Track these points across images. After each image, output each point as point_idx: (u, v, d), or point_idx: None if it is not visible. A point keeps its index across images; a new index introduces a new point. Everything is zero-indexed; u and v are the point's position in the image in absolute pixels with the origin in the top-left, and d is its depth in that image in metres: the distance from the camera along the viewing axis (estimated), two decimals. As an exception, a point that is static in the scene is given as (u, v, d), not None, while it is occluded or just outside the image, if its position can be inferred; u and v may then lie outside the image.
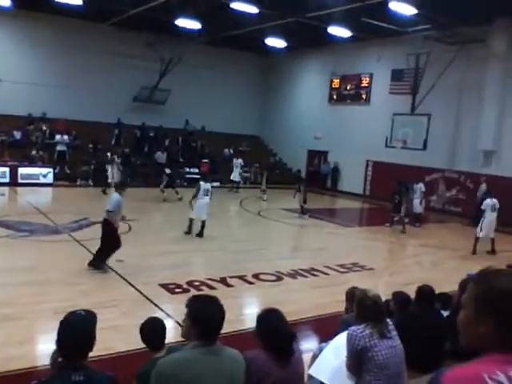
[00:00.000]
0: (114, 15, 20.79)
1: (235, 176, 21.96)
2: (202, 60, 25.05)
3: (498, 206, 12.63)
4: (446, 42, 18.45)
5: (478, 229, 12.52)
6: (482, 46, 17.99)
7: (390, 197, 16.23)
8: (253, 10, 17.09)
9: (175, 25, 18.90)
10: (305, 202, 16.09)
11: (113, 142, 23.50)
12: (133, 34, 22.86)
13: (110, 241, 8.57)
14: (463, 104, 19.28)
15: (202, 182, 12.45)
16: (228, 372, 2.77)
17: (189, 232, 12.07)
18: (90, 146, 22.51)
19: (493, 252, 12.52)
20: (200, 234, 11.94)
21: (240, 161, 22.35)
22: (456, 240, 14.66)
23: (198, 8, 17.76)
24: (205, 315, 2.74)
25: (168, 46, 22.40)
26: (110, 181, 18.42)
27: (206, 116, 25.75)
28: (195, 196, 11.96)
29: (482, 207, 12.65)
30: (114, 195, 8.89)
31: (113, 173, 18.49)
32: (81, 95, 22.64)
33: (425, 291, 4.90)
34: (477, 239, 12.53)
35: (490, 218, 12.50)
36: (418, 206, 16.08)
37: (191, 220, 12.08)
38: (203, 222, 11.96)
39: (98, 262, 8.58)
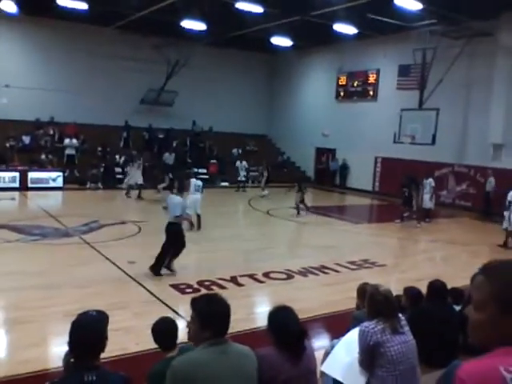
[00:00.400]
0: (119, 19, 20.89)
1: (241, 176, 22.24)
2: (208, 61, 25.10)
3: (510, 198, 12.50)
4: (452, 37, 18.32)
5: (507, 222, 12.37)
6: (489, 40, 17.84)
7: (399, 191, 16.16)
8: (258, 9, 17.09)
9: (181, 26, 18.96)
10: (302, 201, 15.99)
11: (121, 145, 23.64)
12: (138, 37, 22.95)
13: (181, 240, 8.75)
14: (471, 98, 19.14)
15: (193, 179, 13.26)
16: (242, 369, 2.77)
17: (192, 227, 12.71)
18: (99, 149, 22.64)
19: (505, 245, 12.43)
20: (198, 227, 12.82)
21: (244, 163, 22.48)
22: (466, 234, 14.56)
23: (203, 9, 17.79)
24: (215, 314, 2.74)
25: (174, 47, 22.47)
26: (131, 182, 18.46)
27: (213, 116, 25.80)
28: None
29: (509, 198, 12.39)
30: (177, 198, 8.92)
31: (135, 175, 18.38)
32: (88, 99, 22.77)
33: (436, 286, 4.87)
34: (508, 232, 12.41)
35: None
36: (427, 201, 15.94)
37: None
38: (199, 216, 12.87)
39: (158, 267, 8.62)
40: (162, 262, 8.65)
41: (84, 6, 17.80)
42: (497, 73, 17.84)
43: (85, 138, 22.67)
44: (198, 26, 18.70)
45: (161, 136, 24.66)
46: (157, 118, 24.67)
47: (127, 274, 8.54)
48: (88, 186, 20.58)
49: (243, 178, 22.33)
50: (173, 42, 21.99)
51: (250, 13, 17.47)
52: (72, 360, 2.78)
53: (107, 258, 9.48)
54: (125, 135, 23.86)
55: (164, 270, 8.67)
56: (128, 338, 5.83)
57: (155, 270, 8.57)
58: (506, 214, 12.44)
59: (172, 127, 24.93)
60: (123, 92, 23.56)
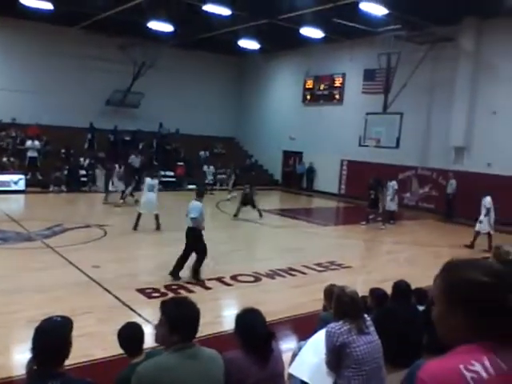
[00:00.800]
0: (84, 19, 20.53)
1: (208, 180, 22.41)
2: (175, 63, 24.93)
3: (488, 205, 12.91)
4: (416, 42, 18.76)
5: (489, 225, 12.71)
6: (452, 45, 18.37)
7: (366, 193, 16.42)
8: (225, 12, 17.09)
9: (147, 27, 18.76)
10: (253, 204, 15.91)
11: (86, 147, 23.21)
12: (105, 38, 22.60)
13: (201, 246, 8.74)
14: (434, 102, 19.64)
15: (148, 178, 13.30)
16: (209, 374, 2.76)
17: (135, 227, 12.74)
18: (63, 151, 22.15)
19: (471, 246, 12.81)
20: (157, 228, 12.96)
21: (211, 168, 22.51)
22: (430, 236, 14.90)
23: (170, 10, 17.67)
24: (184, 318, 2.71)
25: (141, 49, 22.22)
26: (111, 188, 17.87)
27: (180, 119, 25.61)
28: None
29: (488, 206, 12.74)
30: (196, 203, 8.94)
31: (114, 181, 17.84)
32: (52, 100, 22.26)
33: (401, 287, 4.97)
34: (490, 236, 12.70)
35: (493, 216, 12.81)
36: (391, 203, 16.26)
37: (139, 214, 12.89)
38: (156, 216, 12.89)
39: (177, 270, 8.63)
40: (181, 266, 8.63)
41: (49, 6, 17.40)
42: (458, 77, 18.37)
43: (48, 140, 22.14)
44: (164, 27, 18.54)
45: (127, 138, 24.32)
46: (123, 120, 24.33)
47: (92, 279, 8.38)
48: (51, 189, 20.09)
49: (211, 182, 22.34)
50: (139, 42, 21.74)
51: (217, 15, 17.45)
52: (35, 367, 2.71)
53: (71, 263, 9.28)
54: (89, 137, 23.44)
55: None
56: (93, 343, 5.72)
57: (174, 273, 8.57)
58: (483, 218, 12.72)
59: (138, 129, 24.64)
60: (88, 93, 23.14)
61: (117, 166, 18.24)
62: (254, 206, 15.87)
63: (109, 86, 23.52)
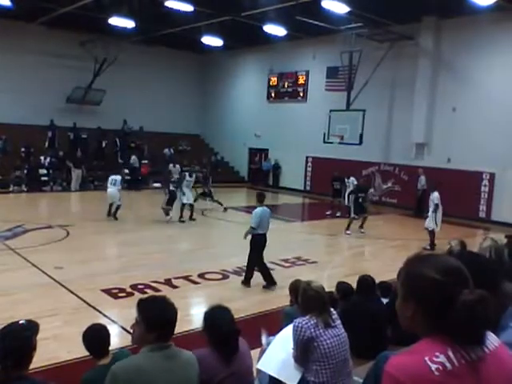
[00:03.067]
0: (44, 14, 19.96)
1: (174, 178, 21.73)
2: (138, 59, 24.58)
3: (435, 201, 12.44)
4: (377, 40, 19.10)
5: (434, 223, 12.23)
6: (412, 43, 18.80)
7: (329, 184, 16.74)
8: (188, 8, 16.96)
9: (109, 24, 18.42)
10: (210, 195, 16.53)
11: (46, 145, 22.64)
12: (65, 33, 22.08)
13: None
14: (396, 99, 20.05)
15: (112, 175, 14.59)
16: (184, 376, 2.74)
17: (108, 214, 14.32)
18: (22, 149, 21.54)
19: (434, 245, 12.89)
20: (114, 217, 14.22)
21: (177, 167, 22.12)
22: (393, 230, 15.23)
23: (132, 6, 17.40)
24: (162, 317, 2.67)
25: (102, 45, 21.80)
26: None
27: (144, 116, 25.30)
28: None
29: (436, 201, 12.26)
30: (256, 210, 8.62)
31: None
32: (10, 97, 21.58)
33: (365, 281, 5.08)
34: (433, 233, 12.26)
35: (441, 212, 12.38)
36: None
37: (110, 205, 14.37)
38: (117, 206, 14.25)
39: (248, 278, 8.55)
40: (251, 274, 8.53)
41: (7, 2, 16.88)
42: (419, 75, 18.81)
43: (7, 139, 21.49)
44: (126, 23, 18.26)
45: (83, 136, 23.75)
46: (84, 118, 23.81)
47: (55, 280, 8.20)
48: (11, 189, 19.52)
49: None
50: (100, 38, 21.33)
51: (179, 11, 17.29)
52: (-1, 371, 2.65)
53: (33, 264, 9.05)
54: (50, 135, 22.87)
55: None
56: (58, 346, 5.62)
57: (246, 281, 8.54)
58: (432, 215, 12.27)
59: (98, 126, 24.17)
60: (48, 90, 22.54)
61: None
62: (212, 198, 16.38)
63: (69, 82, 22.99)
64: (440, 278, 1.45)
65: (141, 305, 2.74)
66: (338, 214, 16.64)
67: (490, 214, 17.26)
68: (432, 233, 12.26)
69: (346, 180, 16.66)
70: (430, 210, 12.34)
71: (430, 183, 13.15)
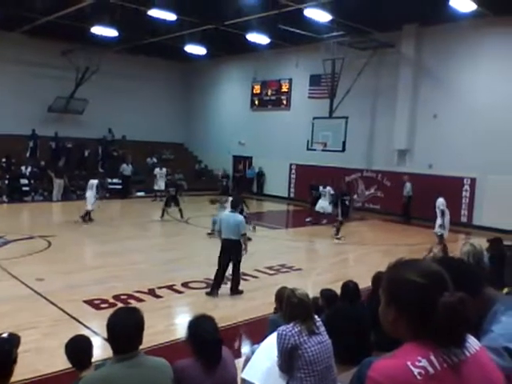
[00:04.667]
0: (26, 23, 19.76)
1: (161, 185, 21.27)
2: (120, 68, 24.47)
3: (441, 206, 12.73)
4: (358, 48, 19.29)
5: (441, 228, 12.41)
6: (393, 51, 19.04)
7: (308, 193, 16.97)
8: (171, 17, 16.94)
9: (91, 33, 18.31)
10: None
11: (28, 155, 22.38)
12: (47, 43, 21.91)
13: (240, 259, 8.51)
14: (378, 107, 20.25)
15: (91, 179, 15.37)
16: (155, 382, 2.74)
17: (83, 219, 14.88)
18: (3, 160, 21.24)
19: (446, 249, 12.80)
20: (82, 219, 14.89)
21: (164, 170, 21.93)
22: (377, 236, 15.32)
23: (114, 15, 17.31)
24: (118, 327, 2.71)
25: (84, 54, 21.65)
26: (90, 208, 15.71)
27: (127, 125, 25.17)
28: None
29: (442, 207, 12.53)
30: (240, 216, 8.71)
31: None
32: (-10, 107, 21.33)
33: (349, 287, 5.09)
34: (442, 237, 12.37)
35: (448, 217, 12.60)
36: (327, 207, 16.52)
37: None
38: (86, 211, 14.88)
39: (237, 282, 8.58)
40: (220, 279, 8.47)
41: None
42: (400, 82, 19.04)
43: (-14, 149, 21.18)
44: (109, 32, 18.16)
45: (69, 146, 23.59)
46: (66, 127, 23.56)
47: (36, 292, 8.06)
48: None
49: (161, 187, 21.00)
50: (83, 48, 21.20)
51: (163, 20, 17.27)
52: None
53: (14, 276, 8.89)
54: (31, 145, 22.62)
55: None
56: (39, 358, 5.51)
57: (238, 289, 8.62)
58: (439, 221, 12.45)
59: (84, 136, 23.95)
60: (30, 100, 22.28)
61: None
62: (177, 205, 16.57)
63: (51, 92, 22.75)
64: (421, 282, 1.47)
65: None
66: (323, 222, 16.66)
67: (471, 218, 17.47)
68: (441, 237, 12.40)
69: (321, 188, 16.77)
70: (439, 216, 12.52)
71: (434, 191, 13.35)
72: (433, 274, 1.50)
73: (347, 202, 14.67)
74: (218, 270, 8.42)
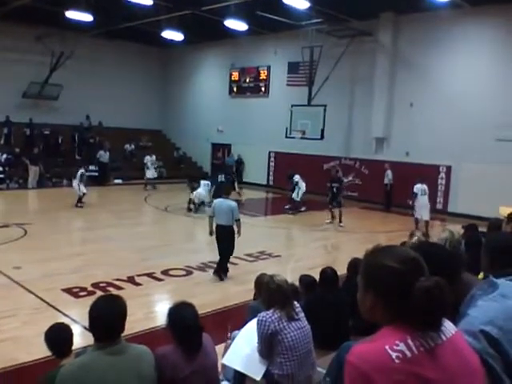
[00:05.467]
0: (-2, 6, 19.22)
1: (153, 173, 21.22)
2: (97, 53, 24.04)
3: (427, 190, 13.74)
4: (336, 36, 19.32)
5: (414, 211, 13.64)
6: (370, 39, 19.11)
7: (287, 182, 17.15)
8: (147, 1, 16.67)
9: (66, 17, 17.89)
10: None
11: (2, 142, 21.91)
12: (20, 27, 21.29)
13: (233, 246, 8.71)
14: (356, 95, 20.36)
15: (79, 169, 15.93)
16: (134, 369, 2.75)
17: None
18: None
19: (426, 235, 13.20)
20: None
21: (153, 158, 21.63)
22: (354, 223, 15.48)
23: (90, -1, 16.98)
24: (98, 315, 2.72)
25: (59, 39, 21.18)
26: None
27: (103, 111, 24.76)
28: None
29: (415, 190, 13.65)
30: (233, 202, 8.85)
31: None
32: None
33: (327, 273, 5.16)
34: (416, 220, 13.56)
35: (421, 201, 13.58)
36: (300, 194, 16.70)
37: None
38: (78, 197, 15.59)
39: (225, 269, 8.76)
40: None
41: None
42: (377, 70, 19.15)
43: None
44: (83, 16, 17.77)
45: (46, 132, 23.18)
46: (41, 113, 23.10)
47: (13, 281, 7.96)
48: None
49: (153, 175, 21.25)
50: (57, 32, 20.73)
51: (139, 5, 16.98)
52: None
53: (-10, 265, 8.77)
54: (6, 131, 22.14)
55: None
56: (18, 347, 5.46)
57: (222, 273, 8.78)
58: (417, 204, 13.54)
59: (59, 122, 23.53)
60: (3, 85, 21.72)
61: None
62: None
63: (25, 77, 22.22)
64: (398, 267, 1.51)
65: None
66: (302, 209, 16.78)
67: (446, 205, 17.81)
68: (417, 221, 13.49)
69: (292, 177, 16.90)
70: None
71: (419, 178, 14.03)
72: (409, 259, 1.54)
73: (335, 190, 14.83)
74: (220, 257, 8.73)
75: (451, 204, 17.66)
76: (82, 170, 16.12)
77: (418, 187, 13.69)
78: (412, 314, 1.46)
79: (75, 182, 15.92)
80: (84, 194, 15.84)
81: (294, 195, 16.64)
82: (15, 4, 18.25)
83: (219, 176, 17.07)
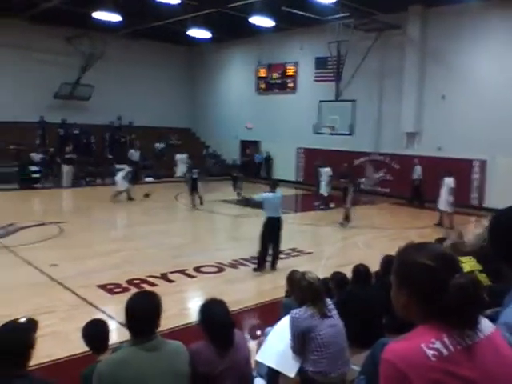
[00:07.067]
0: (28, 9, 19.71)
1: (182, 171, 20.91)
2: (125, 53, 24.42)
3: (450, 183, 13.48)
4: (363, 30, 19.08)
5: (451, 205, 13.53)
6: (399, 32, 18.80)
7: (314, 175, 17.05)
8: (174, 0, 16.82)
9: (94, 18, 18.23)
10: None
11: (37, 142, 22.47)
12: (50, 29, 21.82)
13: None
14: (385, 89, 20.07)
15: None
16: (170, 365, 2.79)
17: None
18: (11, 147, 21.33)
19: (444, 226, 13.29)
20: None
21: (184, 156, 21.66)
22: (386, 219, 15.32)
23: (118, 0, 17.23)
24: (136, 311, 2.76)
25: (88, 40, 21.63)
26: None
27: (134, 110, 25.14)
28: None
29: (451, 185, 13.48)
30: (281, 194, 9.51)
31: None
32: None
33: (360, 270, 5.13)
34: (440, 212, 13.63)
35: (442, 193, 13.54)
36: (324, 188, 16.59)
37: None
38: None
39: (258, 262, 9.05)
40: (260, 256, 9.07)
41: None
42: (407, 64, 18.83)
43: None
44: (112, 17, 18.06)
45: (76, 132, 23.64)
46: (73, 113, 23.56)
47: (51, 278, 8.19)
48: (2, 187, 19.35)
49: (183, 173, 20.62)
50: (86, 33, 21.15)
51: (166, 4, 17.15)
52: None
53: (28, 262, 9.03)
54: (40, 132, 22.70)
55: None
56: (56, 343, 5.62)
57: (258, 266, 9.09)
58: (451, 199, 13.41)
59: (91, 122, 24.00)
60: (35, 87, 22.28)
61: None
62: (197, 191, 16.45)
63: (57, 78, 22.74)
64: (431, 264, 1.49)
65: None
66: (331, 206, 16.62)
67: (481, 200, 17.40)
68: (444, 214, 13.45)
69: (320, 169, 16.72)
70: (448, 194, 13.40)
71: (444, 172, 13.88)
72: (443, 256, 1.52)
73: (344, 186, 14.22)
74: (261, 248, 9.01)
75: (486, 199, 17.25)
76: (129, 169, 16.96)
77: (453, 180, 13.54)
78: (447, 311, 1.45)
79: (119, 177, 16.61)
80: (122, 190, 16.51)
81: (323, 190, 16.52)
82: (44, 6, 18.71)
83: (193, 171, 16.50)
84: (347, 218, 13.80)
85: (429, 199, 17.17)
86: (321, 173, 16.71)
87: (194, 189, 16.06)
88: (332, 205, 16.70)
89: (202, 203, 16.18)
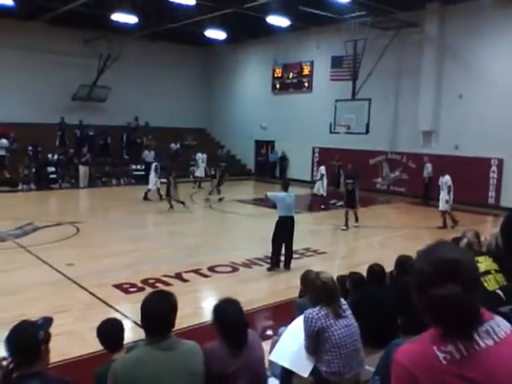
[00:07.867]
0: (46, 12, 19.99)
1: (201, 172, 20.86)
2: (141, 55, 24.58)
3: (446, 182, 13.27)
4: (381, 28, 18.94)
5: (448, 204, 13.32)
6: (417, 30, 18.62)
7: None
8: (190, 1, 16.89)
9: (111, 20, 18.41)
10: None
11: (57, 143, 22.74)
12: (68, 31, 22.12)
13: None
14: (402, 87, 19.89)
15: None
16: (185, 365, 2.78)
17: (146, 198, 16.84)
18: (30, 148, 21.63)
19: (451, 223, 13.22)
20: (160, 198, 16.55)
21: (204, 155, 21.61)
22: (402, 219, 15.18)
23: (134, 2, 17.37)
24: (149, 311, 2.76)
25: (105, 42, 21.82)
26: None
27: (149, 111, 25.31)
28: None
29: (449, 183, 13.28)
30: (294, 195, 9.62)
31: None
32: (17, 96, 21.67)
33: (375, 270, 5.07)
34: (445, 213, 13.32)
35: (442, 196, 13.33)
36: (318, 188, 16.70)
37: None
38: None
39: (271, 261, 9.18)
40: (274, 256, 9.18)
41: (9, 1, 16.91)
42: (424, 62, 18.64)
43: (15, 138, 21.59)
44: (129, 18, 18.21)
45: (91, 133, 23.82)
46: (90, 114, 23.81)
47: (67, 277, 8.27)
48: (20, 187, 19.66)
49: (202, 174, 20.76)
50: (104, 36, 21.35)
51: (182, 5, 17.23)
52: (11, 366, 2.68)
53: (44, 262, 9.13)
54: (60, 133, 22.96)
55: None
56: (71, 341, 5.67)
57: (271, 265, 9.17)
58: (442, 196, 13.18)
59: (107, 123, 24.21)
60: (54, 88, 22.59)
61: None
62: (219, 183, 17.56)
63: (75, 80, 23.03)
64: (427, 270, 1.44)
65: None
66: (340, 203, 16.51)
67: (499, 200, 17.15)
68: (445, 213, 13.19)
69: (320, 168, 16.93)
70: (446, 192, 13.17)
71: (461, 172, 13.85)
72: (443, 262, 1.44)
73: (350, 187, 13.39)
74: (274, 248, 9.11)
75: (504, 198, 16.99)
76: (155, 163, 17.21)
77: (449, 178, 13.34)
78: (439, 319, 1.41)
79: (152, 175, 16.86)
80: (150, 189, 16.80)
81: (319, 190, 16.43)
82: (63, 9, 18.93)
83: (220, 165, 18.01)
84: (356, 218, 13.56)
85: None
86: (323, 173, 16.62)
87: (219, 184, 17.41)
88: (340, 203, 16.58)
89: (219, 192, 17.22)
